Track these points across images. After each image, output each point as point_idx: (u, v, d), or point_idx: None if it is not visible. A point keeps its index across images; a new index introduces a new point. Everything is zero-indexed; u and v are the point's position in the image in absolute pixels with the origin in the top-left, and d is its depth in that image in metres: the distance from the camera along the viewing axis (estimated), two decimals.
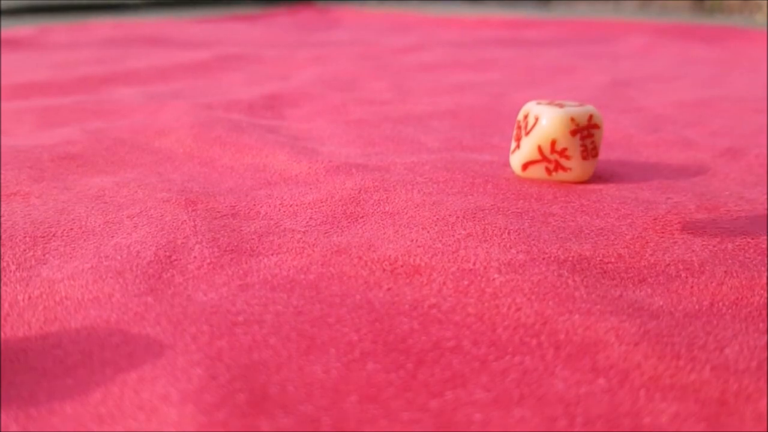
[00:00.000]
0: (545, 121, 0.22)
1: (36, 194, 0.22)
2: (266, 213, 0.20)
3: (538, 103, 0.23)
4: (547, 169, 0.22)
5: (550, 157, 0.22)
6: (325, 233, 0.18)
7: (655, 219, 0.19)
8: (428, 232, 0.18)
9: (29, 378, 0.12)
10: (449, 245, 0.17)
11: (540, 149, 0.22)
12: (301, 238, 0.18)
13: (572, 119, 0.22)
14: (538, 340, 0.13)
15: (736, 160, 0.26)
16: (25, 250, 0.17)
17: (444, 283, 0.15)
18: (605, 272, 0.16)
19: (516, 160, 0.23)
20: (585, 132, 0.22)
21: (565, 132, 0.22)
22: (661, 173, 0.24)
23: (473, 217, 0.19)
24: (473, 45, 0.66)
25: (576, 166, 0.22)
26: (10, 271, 0.16)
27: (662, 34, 0.79)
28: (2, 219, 0.19)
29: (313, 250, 0.17)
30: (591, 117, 0.22)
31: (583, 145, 0.22)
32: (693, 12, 1.23)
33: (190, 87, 0.41)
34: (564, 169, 0.22)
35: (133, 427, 0.11)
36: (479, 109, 0.35)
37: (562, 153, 0.22)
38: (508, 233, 0.18)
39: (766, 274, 0.16)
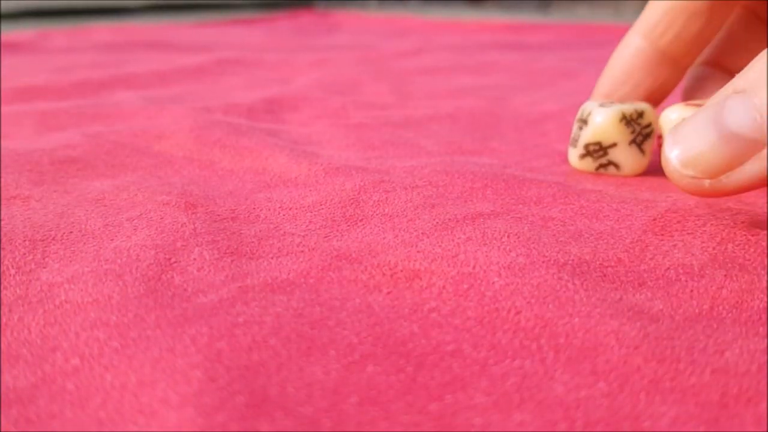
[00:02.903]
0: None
1: (36, 198, 0.22)
2: (266, 216, 0.20)
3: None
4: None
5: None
6: (325, 237, 0.18)
7: (654, 219, 0.19)
8: (428, 236, 0.18)
9: (29, 381, 0.12)
10: (449, 249, 0.17)
11: None
12: (300, 242, 0.18)
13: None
14: (538, 343, 0.13)
15: None
16: (24, 254, 0.17)
17: (444, 287, 0.15)
18: (605, 276, 0.16)
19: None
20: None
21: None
22: (660, 172, 0.24)
23: (473, 222, 0.19)
24: (473, 49, 0.66)
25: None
26: (10, 275, 0.16)
27: None
28: (2, 222, 0.19)
29: (313, 254, 0.17)
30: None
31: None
32: None
33: (190, 91, 0.41)
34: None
35: (132, 430, 0.11)
36: (479, 113, 0.35)
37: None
38: (508, 237, 0.18)
39: (766, 277, 0.16)
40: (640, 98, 0.24)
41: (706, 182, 0.17)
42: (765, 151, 0.16)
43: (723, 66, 0.25)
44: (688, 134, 0.17)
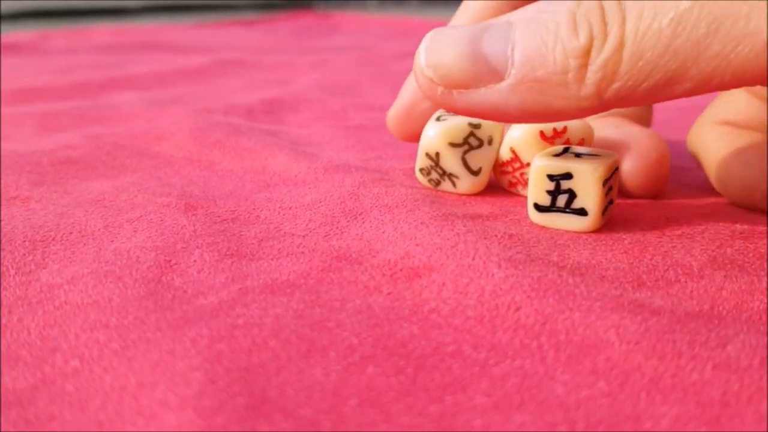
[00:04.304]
0: None
1: (36, 198, 0.22)
2: (266, 218, 0.20)
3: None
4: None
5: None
6: (325, 236, 0.18)
7: (653, 223, 0.19)
8: (427, 226, 0.18)
9: (28, 383, 0.12)
10: (448, 239, 0.17)
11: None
12: (300, 243, 0.18)
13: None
14: (539, 341, 0.13)
15: None
16: (24, 255, 0.17)
17: (443, 284, 0.15)
18: (604, 277, 0.16)
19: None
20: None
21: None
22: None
23: (473, 220, 0.19)
24: None
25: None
26: (10, 276, 0.16)
27: None
28: (2, 223, 0.19)
29: (313, 255, 0.17)
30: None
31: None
32: None
33: (190, 92, 0.41)
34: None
35: None
36: None
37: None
38: (509, 237, 0.18)
39: (766, 278, 0.16)
40: None
41: (439, 89, 0.16)
42: (502, 84, 0.15)
43: None
44: (445, 37, 0.17)
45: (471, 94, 0.16)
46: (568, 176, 0.18)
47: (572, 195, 0.18)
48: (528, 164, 0.20)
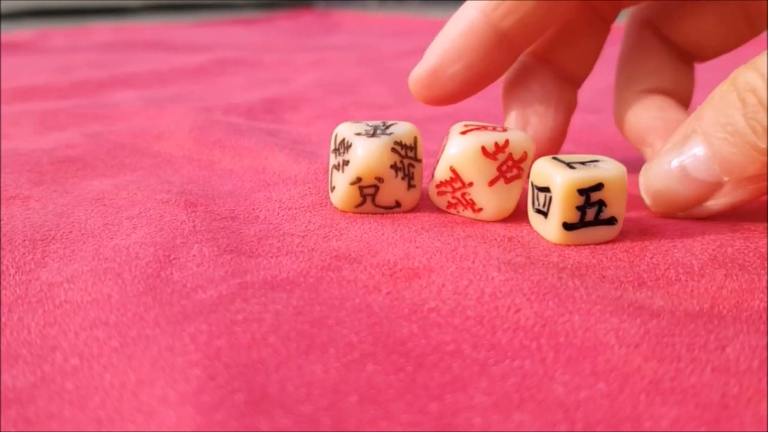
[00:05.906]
0: None
1: (35, 197, 0.22)
2: (265, 217, 0.20)
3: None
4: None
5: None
6: (324, 237, 0.18)
7: (653, 222, 0.19)
8: (427, 231, 0.18)
9: (28, 381, 0.12)
10: (448, 243, 0.17)
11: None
12: (300, 243, 0.18)
13: None
14: (538, 343, 0.13)
15: None
16: (24, 254, 0.17)
17: (443, 285, 0.15)
18: (605, 277, 0.16)
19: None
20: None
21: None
22: None
23: (473, 224, 0.19)
24: None
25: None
26: (10, 275, 0.16)
27: None
28: (2, 222, 0.19)
29: (312, 255, 0.17)
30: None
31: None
32: None
33: (190, 91, 0.41)
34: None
35: (131, 430, 0.11)
36: (479, 113, 0.35)
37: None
38: (508, 240, 0.18)
39: (766, 277, 0.16)
40: (469, 81, 0.21)
41: (678, 213, 0.19)
42: (725, 190, 0.18)
43: (549, 59, 0.23)
44: (655, 173, 0.19)
45: (706, 207, 0.19)
46: (598, 187, 0.17)
47: (602, 205, 0.17)
48: (470, 184, 0.19)
